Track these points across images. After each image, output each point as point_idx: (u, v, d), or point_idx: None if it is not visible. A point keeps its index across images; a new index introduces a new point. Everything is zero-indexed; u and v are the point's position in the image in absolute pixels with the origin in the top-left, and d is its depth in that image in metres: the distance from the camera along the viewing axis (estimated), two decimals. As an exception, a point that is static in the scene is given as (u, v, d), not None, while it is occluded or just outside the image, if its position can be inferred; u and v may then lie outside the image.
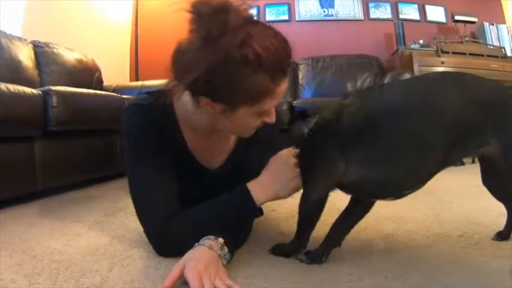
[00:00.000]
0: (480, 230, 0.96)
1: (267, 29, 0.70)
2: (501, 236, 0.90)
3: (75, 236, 1.03)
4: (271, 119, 0.79)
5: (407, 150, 0.69)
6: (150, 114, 0.86)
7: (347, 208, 0.85)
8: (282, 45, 0.70)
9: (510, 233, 0.90)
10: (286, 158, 0.85)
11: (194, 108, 0.78)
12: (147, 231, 0.86)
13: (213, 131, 0.89)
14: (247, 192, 0.83)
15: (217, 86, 0.69)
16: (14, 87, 1.37)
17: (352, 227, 0.85)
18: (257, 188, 0.84)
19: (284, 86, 0.73)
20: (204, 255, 0.72)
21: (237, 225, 0.86)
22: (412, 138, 0.68)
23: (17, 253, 0.89)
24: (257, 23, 0.70)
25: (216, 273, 0.69)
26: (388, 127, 0.70)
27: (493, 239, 0.90)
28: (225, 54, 0.65)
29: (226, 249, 0.77)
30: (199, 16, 0.65)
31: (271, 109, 0.78)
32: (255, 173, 0.86)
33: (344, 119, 0.73)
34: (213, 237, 0.77)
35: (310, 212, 0.82)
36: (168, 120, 0.87)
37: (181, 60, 0.70)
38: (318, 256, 0.80)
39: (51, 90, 1.54)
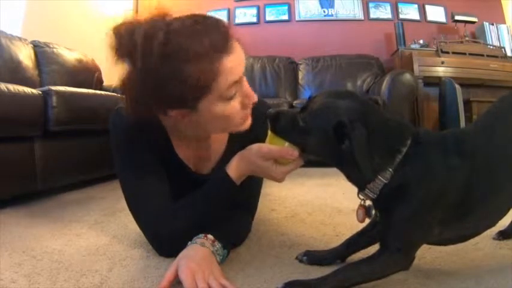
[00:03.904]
0: (480, 230, 0.96)
1: (186, 19, 0.72)
2: (503, 235, 0.90)
3: (75, 236, 1.03)
4: (250, 98, 0.78)
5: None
6: (137, 119, 0.86)
7: (364, 230, 0.81)
8: (207, 27, 0.71)
9: None
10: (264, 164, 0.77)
11: (175, 122, 0.81)
12: (144, 233, 0.87)
13: (201, 138, 0.91)
14: (227, 175, 0.81)
15: (163, 94, 0.71)
16: (14, 87, 1.37)
17: (363, 248, 0.82)
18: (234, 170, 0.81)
19: (230, 61, 0.70)
20: (196, 253, 0.73)
21: (225, 205, 0.84)
22: None
23: (17, 253, 0.89)
24: (176, 19, 0.72)
25: (210, 271, 0.69)
26: (498, 192, 0.69)
27: (493, 238, 0.90)
28: (148, 63, 0.68)
29: (218, 244, 0.77)
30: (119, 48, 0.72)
31: (241, 89, 0.76)
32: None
33: (451, 188, 0.65)
34: (203, 235, 0.78)
35: (385, 275, 0.67)
36: (155, 126, 0.88)
37: (126, 91, 0.76)
38: (318, 259, 0.80)
39: (51, 90, 1.54)
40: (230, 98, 0.74)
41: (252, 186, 0.94)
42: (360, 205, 0.73)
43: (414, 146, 0.66)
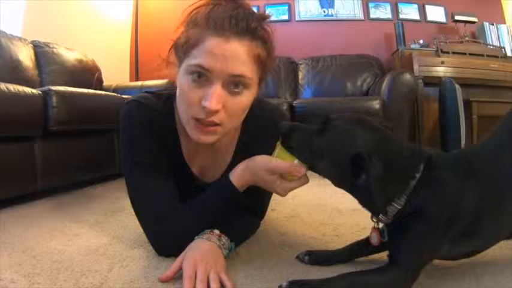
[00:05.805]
0: (480, 230, 0.96)
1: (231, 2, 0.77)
2: None
3: (75, 236, 1.03)
4: (208, 102, 0.72)
5: None
6: (150, 114, 0.86)
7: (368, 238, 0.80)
8: (232, 12, 0.74)
9: None
10: (269, 178, 0.76)
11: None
12: (144, 230, 0.86)
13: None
14: (230, 183, 0.80)
15: (180, 42, 0.78)
16: (14, 87, 1.37)
17: (366, 255, 0.82)
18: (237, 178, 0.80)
19: (212, 44, 0.71)
20: (202, 246, 0.74)
21: (227, 212, 0.83)
22: None
23: (17, 253, 0.89)
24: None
25: (214, 264, 0.69)
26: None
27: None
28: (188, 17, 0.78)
29: (224, 238, 0.77)
30: None
31: (205, 84, 0.73)
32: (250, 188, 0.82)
33: (463, 209, 0.66)
34: (209, 230, 0.78)
35: None
36: (167, 125, 0.87)
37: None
38: (320, 260, 0.80)
39: (51, 90, 1.54)
40: (191, 74, 0.74)
41: (261, 191, 0.89)
42: (374, 228, 0.73)
43: (427, 171, 0.67)
